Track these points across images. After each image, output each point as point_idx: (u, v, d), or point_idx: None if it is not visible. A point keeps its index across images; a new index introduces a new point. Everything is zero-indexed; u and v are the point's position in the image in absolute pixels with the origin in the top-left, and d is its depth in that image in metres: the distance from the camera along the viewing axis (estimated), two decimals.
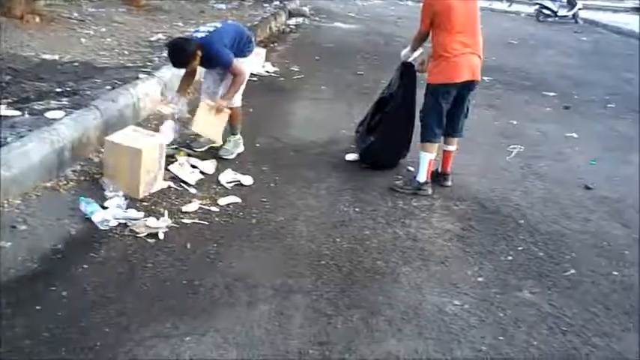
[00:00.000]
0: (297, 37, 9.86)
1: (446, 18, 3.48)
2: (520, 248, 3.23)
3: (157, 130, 4.20)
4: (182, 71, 3.95)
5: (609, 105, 6.87)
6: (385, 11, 15.50)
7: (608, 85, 8.13)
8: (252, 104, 5.36)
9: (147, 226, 2.95)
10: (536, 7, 17.16)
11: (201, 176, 3.67)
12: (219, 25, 3.82)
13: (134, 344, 2.17)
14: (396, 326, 2.44)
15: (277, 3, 12.86)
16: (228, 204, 3.37)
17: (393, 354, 2.28)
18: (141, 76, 4.83)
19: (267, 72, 6.85)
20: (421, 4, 3.68)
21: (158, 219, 3.04)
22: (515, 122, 5.74)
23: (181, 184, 3.54)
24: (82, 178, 3.38)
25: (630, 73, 9.02)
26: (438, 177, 4.00)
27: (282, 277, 2.71)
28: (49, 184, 3.18)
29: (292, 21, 11.54)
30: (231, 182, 3.64)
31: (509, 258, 3.12)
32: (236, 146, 4.13)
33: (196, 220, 3.14)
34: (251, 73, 6.40)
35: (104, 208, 3.07)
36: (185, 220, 3.12)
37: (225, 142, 4.03)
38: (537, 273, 2.98)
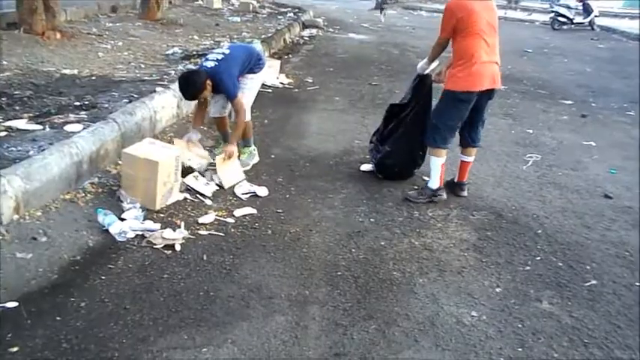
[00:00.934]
0: (311, 48, 9.92)
1: (469, 23, 3.45)
2: (538, 258, 3.19)
3: (173, 142, 4.27)
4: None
5: (628, 113, 6.78)
6: (399, 21, 15.56)
7: (626, 92, 8.04)
8: (266, 115, 5.42)
9: (163, 237, 2.97)
10: (552, 14, 17.08)
11: (217, 188, 3.69)
12: (227, 51, 3.85)
13: (151, 355, 2.18)
14: (412, 337, 2.42)
15: (291, 15, 12.99)
16: (244, 215, 3.39)
17: None
18: (157, 89, 4.89)
19: (282, 83, 6.90)
20: (437, 14, 3.67)
21: (175, 230, 3.07)
22: (531, 131, 5.70)
23: (197, 195, 3.56)
24: (100, 190, 3.42)
25: None
26: (454, 187, 3.98)
27: (298, 288, 2.70)
28: (67, 197, 3.23)
29: (306, 32, 11.63)
30: (246, 193, 3.66)
31: (528, 268, 3.07)
32: (251, 157, 4.16)
33: (212, 232, 3.15)
34: (265, 85, 6.52)
35: (121, 219, 3.10)
36: (201, 232, 3.14)
37: (240, 153, 4.06)
38: (557, 283, 2.93)
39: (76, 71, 5.51)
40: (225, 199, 3.58)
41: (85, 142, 3.44)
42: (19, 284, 2.50)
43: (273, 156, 4.42)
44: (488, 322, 2.57)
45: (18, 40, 6.24)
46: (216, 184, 3.73)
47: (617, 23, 18.08)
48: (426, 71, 3.90)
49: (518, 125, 5.88)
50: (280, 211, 3.50)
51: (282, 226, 3.32)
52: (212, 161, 3.88)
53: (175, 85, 4.95)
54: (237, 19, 11.37)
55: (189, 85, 3.69)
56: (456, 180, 3.99)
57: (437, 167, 3.76)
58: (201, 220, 3.26)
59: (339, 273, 2.87)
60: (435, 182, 3.78)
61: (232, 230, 3.20)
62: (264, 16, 12.63)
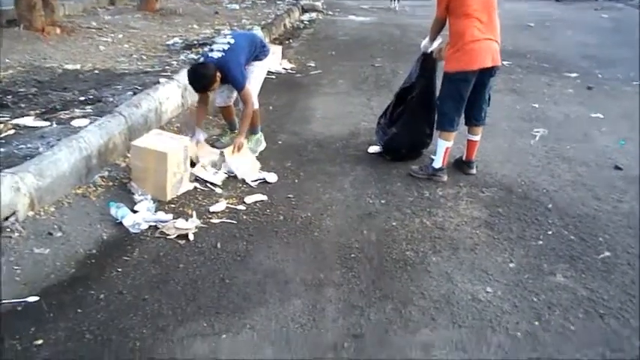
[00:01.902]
0: (311, 32, 9.84)
1: (461, 3, 3.43)
2: (550, 232, 3.19)
3: (179, 132, 4.28)
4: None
5: (634, 82, 6.71)
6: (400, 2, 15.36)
7: (632, 61, 7.93)
8: (271, 102, 5.41)
9: (176, 227, 3.00)
10: None
11: (226, 176, 3.70)
12: (232, 40, 3.81)
13: (172, 344, 2.21)
14: (429, 316, 2.44)
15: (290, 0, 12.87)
16: (255, 202, 3.40)
17: (428, 344, 2.28)
18: (161, 80, 4.89)
19: (285, 69, 6.87)
20: None
21: (187, 220, 3.09)
22: (537, 105, 5.66)
23: (207, 184, 3.58)
24: (111, 183, 3.44)
25: None
26: (462, 165, 3.98)
27: (312, 272, 2.73)
28: (79, 191, 3.25)
29: (306, 17, 11.53)
30: (256, 180, 3.67)
31: (540, 242, 3.08)
32: (258, 144, 4.17)
33: (224, 220, 3.17)
34: (269, 71, 6.49)
35: (134, 211, 3.12)
36: (213, 220, 3.16)
37: (247, 141, 4.07)
38: (570, 256, 2.94)
39: (78, 66, 5.51)
40: (235, 187, 3.60)
41: (92, 136, 3.45)
42: (38, 279, 2.54)
43: (280, 142, 4.42)
44: (503, 297, 2.58)
45: (18, 37, 6.23)
46: (225, 173, 3.73)
47: None
48: (429, 49, 3.88)
49: (524, 100, 5.83)
50: (291, 196, 3.51)
51: (294, 211, 3.33)
52: (222, 151, 3.88)
53: (179, 76, 4.97)
54: (236, 6, 11.29)
55: (200, 78, 3.67)
56: (464, 158, 3.98)
57: (442, 149, 3.77)
58: (212, 208, 3.28)
59: (353, 255, 2.89)
60: (438, 162, 3.80)
61: (244, 217, 3.22)
62: (263, 2, 12.51)
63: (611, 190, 3.74)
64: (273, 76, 6.45)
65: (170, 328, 2.30)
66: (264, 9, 11.09)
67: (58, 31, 6.73)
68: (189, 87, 4.91)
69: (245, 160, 3.85)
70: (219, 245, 2.92)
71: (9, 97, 4.29)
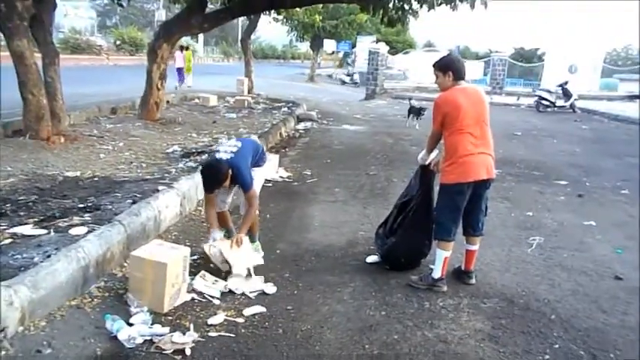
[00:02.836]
0: (307, 141, 10.18)
1: (455, 118, 3.60)
2: (557, 346, 3.11)
3: (178, 241, 4.27)
4: (197, 182, 4.03)
5: (622, 191, 6.91)
6: (390, 111, 16.13)
7: (617, 171, 8.23)
8: (269, 210, 5.46)
9: (173, 342, 2.89)
10: (536, 98, 17.91)
11: (224, 289, 3.61)
12: (239, 144, 3.96)
13: None
14: None
15: (285, 109, 13.48)
16: (254, 314, 3.32)
17: None
18: (160, 187, 4.96)
19: (281, 177, 7.01)
20: (427, 102, 3.84)
21: (184, 334, 2.98)
22: (530, 213, 5.75)
23: (205, 295, 3.50)
24: (107, 294, 3.36)
25: (635, 158, 9.15)
26: (461, 275, 3.96)
27: None
28: (73, 303, 3.16)
29: (301, 125, 12.00)
30: (254, 291, 3.61)
31: (547, 357, 2.99)
32: (256, 253, 4.15)
33: (222, 333, 3.07)
34: (266, 179, 6.61)
35: (129, 324, 3.02)
36: (211, 333, 3.06)
37: None
38: None
39: (78, 173, 5.61)
40: (234, 298, 3.52)
41: (91, 245, 3.43)
42: None
43: (278, 251, 4.40)
44: None
45: (24, 147, 6.40)
46: (226, 289, 3.63)
47: (597, 105, 18.89)
48: (427, 162, 4.01)
49: (517, 208, 5.94)
50: (290, 308, 3.44)
51: (293, 323, 3.24)
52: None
53: (178, 184, 5.05)
54: (234, 115, 11.78)
55: (216, 173, 3.74)
56: (463, 268, 3.97)
57: (440, 259, 3.78)
58: (210, 321, 3.19)
59: None
60: (437, 272, 3.79)
61: (242, 330, 3.12)
62: (260, 111, 13.10)
63: (615, 302, 3.70)
64: (270, 184, 6.57)
65: None
66: (260, 118, 11.58)
67: (63, 139, 6.93)
68: (187, 195, 5.05)
69: (243, 255, 3.82)
70: None
71: (8, 205, 4.32)
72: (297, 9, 21.69)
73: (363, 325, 3.26)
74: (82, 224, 3.93)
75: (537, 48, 37.49)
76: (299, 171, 7.40)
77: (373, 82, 20.82)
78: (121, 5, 9.97)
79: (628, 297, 3.79)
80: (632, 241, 4.94)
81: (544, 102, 17.48)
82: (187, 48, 19.48)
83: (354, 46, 35.18)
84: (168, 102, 12.31)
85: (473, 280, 3.92)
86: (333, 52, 41.24)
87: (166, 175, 5.72)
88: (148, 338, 2.93)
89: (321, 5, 22.62)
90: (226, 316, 3.27)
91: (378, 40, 27.78)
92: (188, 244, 4.20)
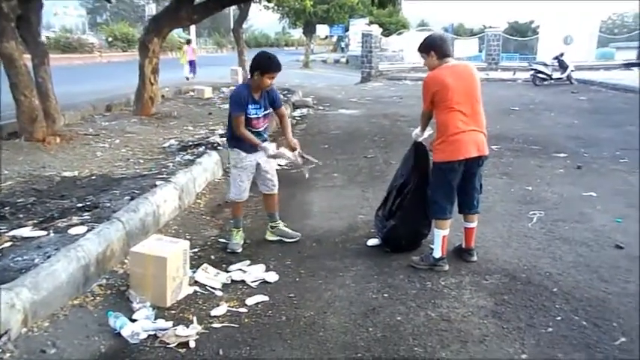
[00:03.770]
0: (303, 127, 10.15)
1: (443, 97, 3.58)
2: (559, 318, 3.11)
3: (177, 234, 4.27)
4: (195, 175, 4.02)
5: (622, 160, 6.88)
6: (386, 92, 16.06)
7: (617, 140, 8.19)
8: None
9: (177, 335, 2.90)
10: (532, 72, 17.79)
11: (226, 281, 3.62)
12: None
13: None
14: None
15: (281, 97, 13.40)
16: (256, 303, 3.33)
17: None
18: (158, 182, 4.95)
19: (279, 165, 6.97)
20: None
21: (187, 326, 2.99)
22: (530, 188, 5.74)
23: (207, 287, 3.51)
24: (109, 291, 3.37)
25: (634, 127, 9.10)
26: (462, 253, 3.96)
27: None
28: (76, 302, 3.17)
29: (297, 112, 11.95)
30: (256, 281, 3.61)
31: (550, 330, 2.99)
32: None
33: (226, 324, 3.08)
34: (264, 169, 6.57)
35: (132, 320, 3.04)
36: (215, 325, 3.06)
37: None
38: (585, 344, 2.84)
39: (76, 172, 5.60)
40: (236, 289, 3.53)
41: (91, 244, 3.43)
42: None
43: (278, 239, 4.40)
44: None
45: (19, 149, 6.39)
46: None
47: (594, 75, 18.79)
48: (420, 138, 4.01)
49: (517, 183, 5.93)
50: (292, 295, 3.44)
51: (296, 310, 3.25)
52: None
53: (176, 178, 5.05)
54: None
55: (274, 58, 3.92)
56: (463, 246, 3.97)
57: (439, 238, 3.78)
58: (213, 312, 3.20)
59: (359, 354, 2.79)
60: (437, 252, 3.79)
61: (246, 320, 3.13)
62: None
63: (616, 271, 3.70)
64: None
65: None
66: None
67: (58, 140, 6.91)
68: (185, 188, 5.04)
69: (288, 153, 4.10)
70: (221, 352, 2.81)
71: (7, 208, 4.31)
72: None
73: (366, 309, 3.27)
74: (82, 223, 3.93)
75: (532, 21, 37.26)
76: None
77: (368, 64, 20.73)
78: (109, 1, 9.90)
79: (629, 265, 3.79)
80: (632, 209, 4.93)
81: (540, 75, 17.37)
82: (190, 41, 20.27)
83: (347, 29, 34.95)
84: (163, 96, 12.26)
85: (474, 258, 3.92)
86: (326, 37, 41.05)
87: (164, 169, 5.71)
88: (152, 333, 2.94)
89: None
90: (229, 306, 3.28)
91: (370, 23, 27.59)
92: (188, 237, 4.20)
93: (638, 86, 14.58)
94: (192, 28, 40.62)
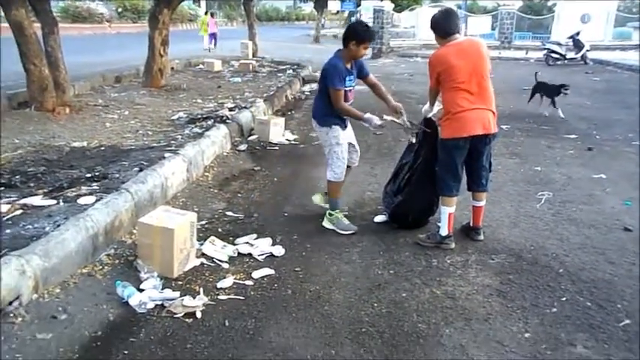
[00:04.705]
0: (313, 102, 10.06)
1: (448, 76, 3.56)
2: (564, 299, 3.12)
3: (185, 207, 4.29)
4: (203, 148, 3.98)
5: (634, 142, 6.81)
6: (397, 69, 15.89)
7: (629, 122, 8.09)
8: (275, 173, 5.46)
9: (184, 305, 2.94)
10: (545, 51, 17.49)
11: (233, 254, 3.65)
12: None
13: None
14: None
15: (290, 72, 13.32)
16: (263, 276, 3.35)
17: None
18: (166, 155, 4.96)
19: (287, 140, 6.99)
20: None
21: (194, 297, 3.03)
22: (539, 168, 5.71)
23: (214, 260, 3.54)
24: (117, 261, 3.41)
25: None
26: (469, 231, 3.96)
27: (323, 348, 2.64)
28: (85, 270, 3.21)
29: (307, 87, 11.88)
30: (262, 254, 3.64)
31: (554, 310, 3.01)
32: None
33: (232, 296, 3.12)
34: (271, 142, 6.60)
35: (140, 290, 3.08)
36: (221, 297, 3.10)
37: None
38: (588, 325, 2.85)
39: (85, 143, 5.62)
40: (242, 262, 3.56)
41: (99, 214, 3.46)
42: None
43: (285, 214, 4.42)
44: None
45: (30, 118, 6.41)
46: None
47: (610, 55, 18.45)
48: (430, 114, 3.98)
49: (526, 163, 5.89)
50: (298, 269, 3.47)
51: (302, 284, 3.28)
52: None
53: (184, 150, 5.05)
54: (238, 79, 11.66)
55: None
56: (471, 224, 3.97)
57: (445, 215, 3.78)
58: (219, 284, 3.23)
59: (364, 329, 2.81)
60: (444, 230, 3.79)
61: (252, 293, 3.17)
62: (264, 74, 12.94)
63: (623, 253, 3.69)
64: (277, 147, 6.56)
65: None
66: (265, 81, 11.45)
67: (68, 110, 6.92)
68: (194, 161, 5.04)
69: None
70: (227, 323, 2.85)
71: (18, 176, 4.35)
72: None
73: (372, 285, 3.29)
74: (90, 193, 3.95)
75: None
76: (305, 133, 7.36)
77: (379, 40, 20.42)
78: None
79: (636, 248, 3.78)
80: None
81: (553, 55, 17.08)
82: (213, 14, 22.09)
83: (358, 4, 34.41)
84: (172, 68, 12.20)
85: (481, 237, 3.92)
86: (337, 12, 40.42)
87: (172, 142, 5.71)
88: (159, 303, 2.98)
89: None
90: (235, 279, 3.31)
91: None
92: (195, 209, 4.22)
93: None
94: (203, 1, 40.21)
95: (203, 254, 3.57)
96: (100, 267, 3.30)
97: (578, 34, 17.29)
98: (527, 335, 2.77)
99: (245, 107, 7.82)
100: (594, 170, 5.60)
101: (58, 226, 3.24)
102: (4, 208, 3.64)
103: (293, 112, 9.04)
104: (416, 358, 2.59)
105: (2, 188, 4.08)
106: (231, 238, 3.86)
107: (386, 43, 21.05)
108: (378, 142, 6.85)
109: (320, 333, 2.78)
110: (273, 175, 5.40)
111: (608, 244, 3.85)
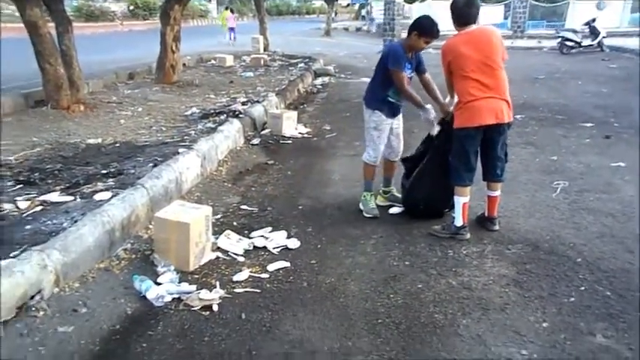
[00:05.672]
0: (325, 96, 10.07)
1: (458, 65, 3.56)
2: (582, 288, 3.09)
3: (200, 201, 4.31)
4: (217, 143, 4.01)
5: None
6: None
7: None
8: (289, 166, 5.47)
9: (200, 298, 2.97)
10: (559, 40, 17.23)
11: (248, 247, 3.67)
12: None
13: None
14: None
15: (302, 65, 13.29)
16: (278, 269, 3.37)
17: None
18: (180, 150, 4.99)
19: (300, 133, 6.99)
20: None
21: (211, 291, 3.06)
22: (555, 157, 5.64)
23: (229, 253, 3.57)
24: (133, 255, 3.45)
25: None
26: (484, 221, 3.94)
27: (339, 340, 2.65)
28: (102, 265, 3.25)
29: (319, 81, 11.86)
30: (277, 247, 3.65)
31: (572, 299, 2.97)
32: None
33: (248, 289, 3.14)
34: (284, 136, 6.61)
35: (157, 283, 3.11)
36: (237, 290, 3.12)
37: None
38: (608, 314, 2.82)
39: (100, 140, 5.67)
40: (258, 255, 3.58)
41: (115, 209, 3.50)
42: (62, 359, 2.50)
43: (300, 206, 4.43)
44: None
45: (46, 116, 6.49)
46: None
47: (627, 42, 18.11)
48: (451, 107, 3.95)
49: (541, 153, 5.83)
50: (313, 262, 3.48)
51: (317, 277, 3.29)
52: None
53: (198, 145, 5.08)
54: (251, 74, 11.67)
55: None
56: (486, 214, 3.94)
57: (459, 205, 3.76)
58: (235, 277, 3.25)
59: (380, 320, 2.81)
60: (458, 220, 3.77)
61: (268, 286, 3.18)
62: (276, 68, 12.94)
63: None
64: (290, 141, 6.56)
65: None
66: (277, 75, 11.45)
67: (82, 107, 6.99)
68: (207, 156, 5.07)
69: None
70: (243, 316, 2.87)
71: (36, 174, 4.41)
72: None
73: (387, 276, 3.29)
74: (106, 189, 4.00)
75: None
76: (318, 126, 7.36)
77: (390, 32, 20.28)
78: None
79: None
80: None
81: (568, 43, 16.82)
82: (232, 10, 23.51)
83: None
84: (184, 64, 12.24)
85: (496, 227, 3.89)
86: (348, 5, 40.26)
87: (186, 137, 5.74)
88: (176, 296, 3.01)
89: None
90: (251, 272, 3.33)
91: None
92: (210, 203, 4.25)
93: None
94: None
95: (218, 248, 3.59)
96: (117, 261, 3.34)
97: (594, 20, 17.01)
98: (545, 325, 2.74)
99: (257, 101, 7.84)
100: (612, 158, 5.52)
101: (76, 221, 3.28)
102: (25, 204, 3.70)
103: (305, 105, 9.04)
104: (432, 348, 2.58)
105: (22, 185, 4.14)
106: (246, 232, 3.88)
107: (397, 34, 20.88)
108: None
109: (336, 325, 2.79)
110: (286, 168, 5.41)
111: (627, 232, 3.80)
